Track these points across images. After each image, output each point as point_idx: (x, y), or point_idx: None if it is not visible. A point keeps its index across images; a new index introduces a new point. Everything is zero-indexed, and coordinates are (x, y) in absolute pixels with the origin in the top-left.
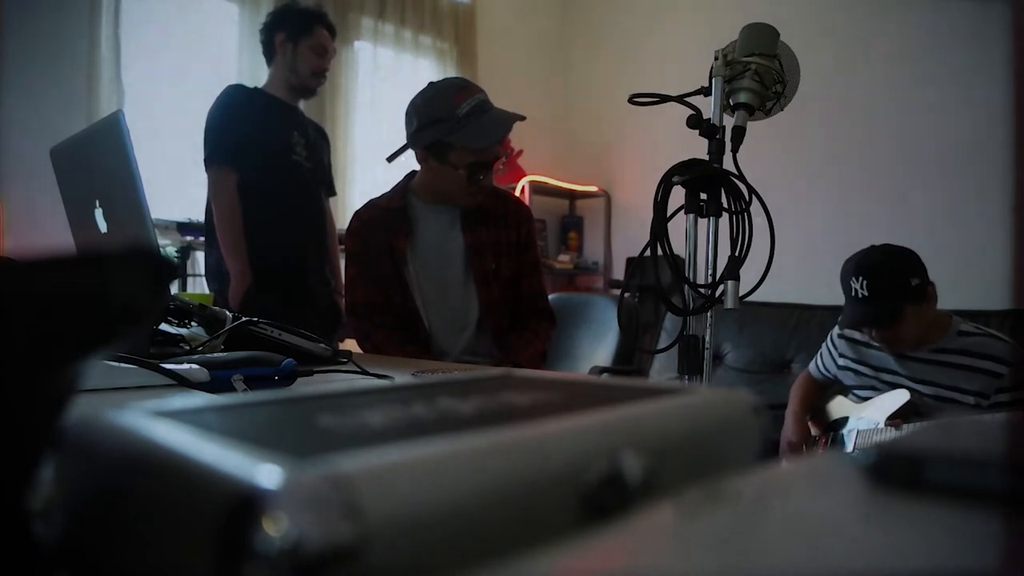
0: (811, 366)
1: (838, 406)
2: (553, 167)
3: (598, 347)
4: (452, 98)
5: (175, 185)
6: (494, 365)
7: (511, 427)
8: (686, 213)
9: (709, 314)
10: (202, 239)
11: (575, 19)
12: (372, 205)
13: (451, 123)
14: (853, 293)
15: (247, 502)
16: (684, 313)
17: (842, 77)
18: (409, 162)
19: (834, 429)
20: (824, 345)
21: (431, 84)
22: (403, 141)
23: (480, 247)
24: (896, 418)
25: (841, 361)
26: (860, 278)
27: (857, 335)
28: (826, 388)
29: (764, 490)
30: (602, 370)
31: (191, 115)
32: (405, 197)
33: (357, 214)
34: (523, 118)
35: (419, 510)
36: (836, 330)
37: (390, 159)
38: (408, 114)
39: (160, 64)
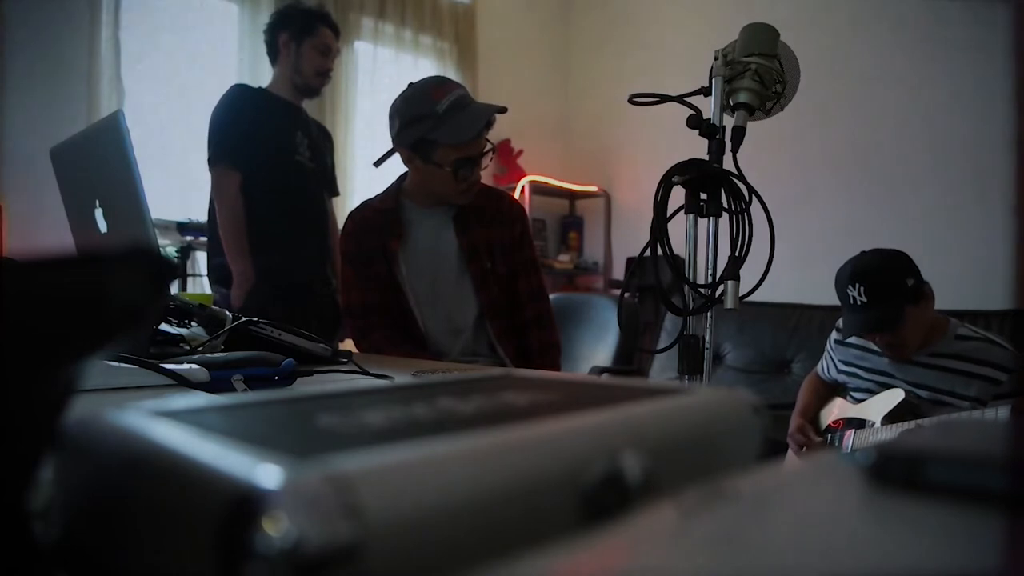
0: (818, 367)
1: (835, 408)
2: (553, 167)
3: (598, 347)
4: (431, 94)
5: (175, 185)
6: (495, 365)
7: (511, 427)
8: (686, 213)
9: (709, 314)
10: (202, 239)
11: (575, 19)
12: (366, 206)
13: (432, 119)
14: (851, 301)
15: (247, 502)
16: (684, 313)
17: (842, 77)
18: (402, 164)
19: (831, 431)
20: (825, 350)
21: (410, 84)
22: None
23: (474, 248)
24: (892, 418)
25: (841, 366)
26: (857, 285)
27: (854, 339)
28: (834, 388)
29: (764, 490)
30: (602, 370)
31: (191, 115)
32: (398, 199)
33: (351, 215)
34: (503, 109)
35: (419, 510)
36: (834, 335)
37: (377, 164)
38: (391, 116)
39: (160, 64)
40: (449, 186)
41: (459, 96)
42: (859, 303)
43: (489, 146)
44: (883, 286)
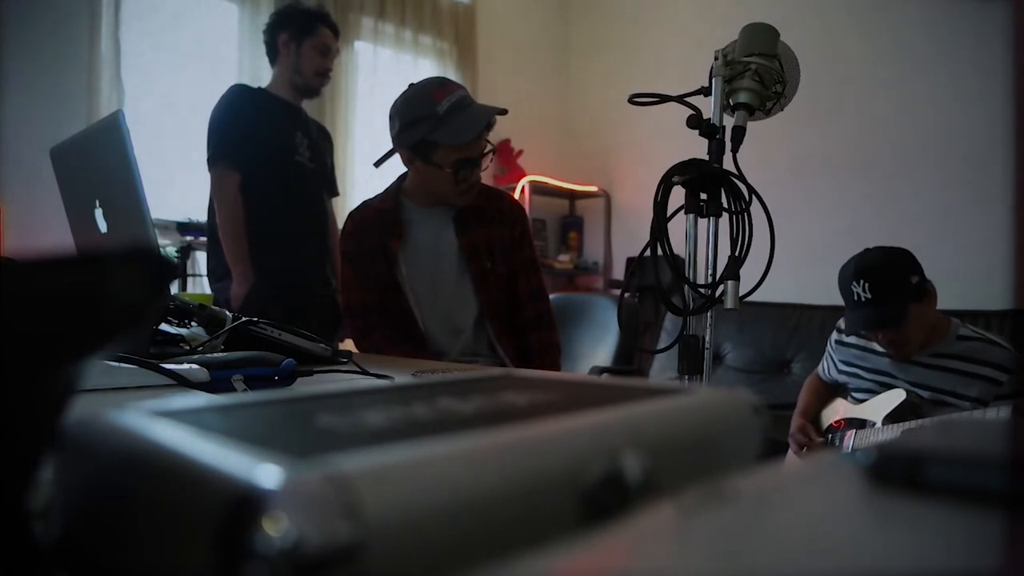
0: (819, 368)
1: (836, 408)
2: (553, 167)
3: (598, 347)
4: (432, 96)
5: (175, 185)
6: (495, 365)
7: (511, 427)
8: (686, 213)
9: (709, 314)
10: (202, 239)
11: (575, 19)
12: (366, 206)
13: (432, 121)
14: (856, 297)
15: (247, 502)
16: (684, 313)
17: (842, 77)
18: (402, 164)
19: (832, 431)
20: (826, 351)
21: (411, 85)
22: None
23: (474, 248)
24: (893, 418)
25: (842, 366)
26: (862, 281)
27: (854, 339)
28: (835, 389)
29: (764, 490)
30: (602, 370)
31: (191, 115)
32: (397, 199)
33: (351, 215)
34: (504, 111)
35: (419, 510)
36: (834, 336)
37: (377, 164)
38: (391, 117)
39: (160, 64)
40: (449, 187)
41: (460, 97)
42: (863, 300)
43: (489, 147)
44: (888, 283)
